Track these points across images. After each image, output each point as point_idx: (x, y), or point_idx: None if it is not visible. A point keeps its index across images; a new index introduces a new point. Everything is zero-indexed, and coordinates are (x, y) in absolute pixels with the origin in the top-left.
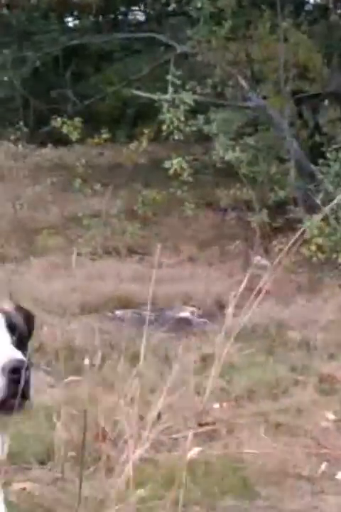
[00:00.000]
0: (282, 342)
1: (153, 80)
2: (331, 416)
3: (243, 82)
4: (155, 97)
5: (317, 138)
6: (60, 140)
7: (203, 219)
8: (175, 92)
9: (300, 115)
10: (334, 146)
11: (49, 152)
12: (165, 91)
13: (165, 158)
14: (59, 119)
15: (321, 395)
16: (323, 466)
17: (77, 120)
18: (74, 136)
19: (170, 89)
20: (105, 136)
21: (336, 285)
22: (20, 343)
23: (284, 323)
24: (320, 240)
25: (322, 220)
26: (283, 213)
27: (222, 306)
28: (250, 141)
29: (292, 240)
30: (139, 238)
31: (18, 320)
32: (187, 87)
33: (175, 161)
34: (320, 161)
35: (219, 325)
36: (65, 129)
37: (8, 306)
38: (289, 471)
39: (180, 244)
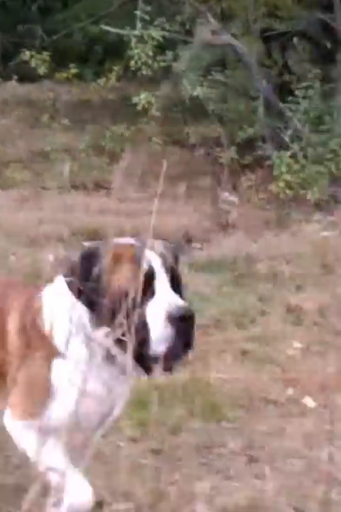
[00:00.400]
0: (250, 274)
1: (121, 17)
2: (297, 344)
3: (212, 20)
4: (123, 32)
5: (286, 76)
6: (27, 75)
7: (171, 155)
8: (144, 28)
9: (269, 53)
10: (303, 84)
11: (16, 86)
12: (133, 27)
13: (134, 95)
14: (28, 52)
15: (288, 324)
16: (289, 391)
17: (46, 54)
18: (42, 70)
19: (139, 24)
20: (73, 71)
21: (303, 220)
22: (177, 287)
23: (252, 256)
24: (288, 177)
25: (291, 157)
26: (252, 150)
27: (189, 240)
28: (219, 77)
29: (260, 177)
30: (106, 173)
31: (172, 260)
32: (156, 23)
33: (142, 96)
34: (289, 98)
35: (187, 257)
36: (33, 63)
37: (159, 245)
38: (256, 395)
39: (148, 180)
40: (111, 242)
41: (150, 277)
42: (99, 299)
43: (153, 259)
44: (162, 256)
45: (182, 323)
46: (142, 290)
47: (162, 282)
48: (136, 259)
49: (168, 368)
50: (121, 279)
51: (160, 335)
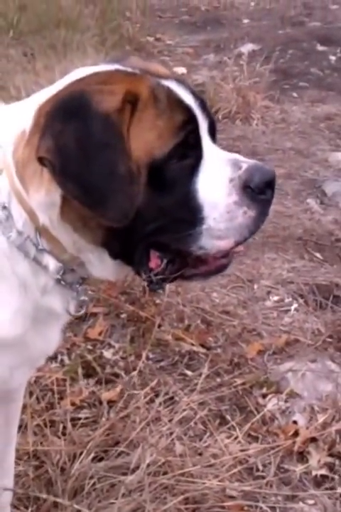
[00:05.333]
0: None
1: None
2: None
3: None
4: None
5: None
6: None
7: None
8: None
9: None
10: None
11: None
12: None
13: None
14: None
15: None
16: None
17: None
18: None
19: None
20: None
21: None
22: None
23: None
24: None
25: None
26: None
27: None
28: None
29: None
30: None
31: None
32: None
33: None
34: None
35: None
36: None
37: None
38: None
39: None
40: (96, 72)
41: (193, 131)
42: (102, 190)
43: (186, 97)
44: (193, 92)
45: (265, 195)
46: (179, 152)
47: (205, 134)
48: (166, 99)
49: (211, 272)
50: (150, 144)
51: (227, 217)
